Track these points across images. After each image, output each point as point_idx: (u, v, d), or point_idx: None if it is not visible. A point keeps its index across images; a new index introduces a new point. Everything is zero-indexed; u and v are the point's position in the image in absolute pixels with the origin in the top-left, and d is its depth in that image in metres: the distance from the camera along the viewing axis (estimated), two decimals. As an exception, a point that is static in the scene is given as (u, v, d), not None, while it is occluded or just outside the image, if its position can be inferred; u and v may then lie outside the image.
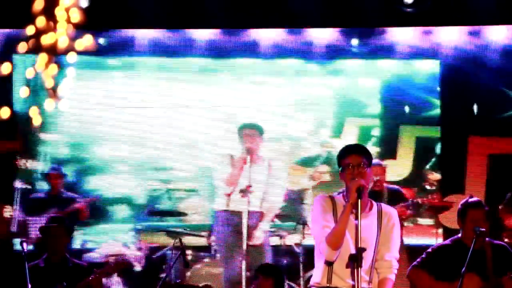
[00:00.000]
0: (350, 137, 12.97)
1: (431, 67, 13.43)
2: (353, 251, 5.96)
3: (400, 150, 13.43)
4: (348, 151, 6.33)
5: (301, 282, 11.54)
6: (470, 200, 7.78)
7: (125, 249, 12.39)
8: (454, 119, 13.33)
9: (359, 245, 5.87)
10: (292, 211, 12.56)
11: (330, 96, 13.34)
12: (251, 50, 13.13)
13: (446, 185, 13.26)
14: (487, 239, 7.60)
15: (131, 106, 13.13)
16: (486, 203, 12.62)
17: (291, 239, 11.97)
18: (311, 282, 6.39)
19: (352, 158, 6.22)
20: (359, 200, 5.95)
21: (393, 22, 12.33)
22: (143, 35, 13.04)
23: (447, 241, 7.93)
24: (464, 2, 11.86)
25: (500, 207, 11.40)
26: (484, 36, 13.05)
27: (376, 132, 13.32)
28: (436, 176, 13.33)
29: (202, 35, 13.02)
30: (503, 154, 13.10)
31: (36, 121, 4.27)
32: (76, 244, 12.57)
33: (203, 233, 11.99)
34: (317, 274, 6.32)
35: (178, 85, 13.28)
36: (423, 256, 7.78)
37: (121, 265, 9.06)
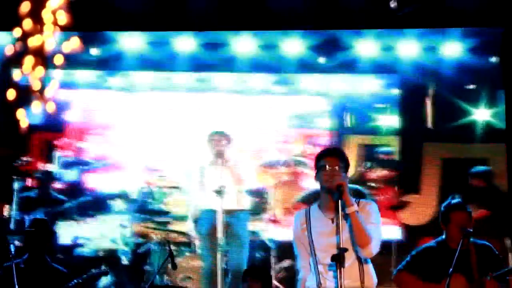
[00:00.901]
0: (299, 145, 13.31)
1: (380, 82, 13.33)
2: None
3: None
4: (324, 153, 5.87)
5: (273, 273, 11.41)
6: (453, 202, 7.12)
7: (113, 244, 11.96)
8: (412, 127, 13.13)
9: (341, 245, 5.39)
10: (258, 207, 12.30)
11: (289, 109, 13.43)
12: (229, 64, 12.80)
13: (403, 186, 13.01)
14: (471, 239, 7.00)
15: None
16: (439, 203, 12.62)
17: (264, 235, 11.86)
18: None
19: (327, 160, 5.72)
20: (339, 201, 5.46)
21: (377, 24, 11.72)
22: (132, 50, 12.67)
23: (432, 243, 7.14)
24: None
25: None
26: (439, 52, 12.73)
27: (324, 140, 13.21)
28: (373, 175, 13.04)
29: (185, 49, 12.66)
30: (455, 158, 12.84)
31: (23, 123, 3.80)
32: (67, 240, 12.27)
33: (183, 230, 11.84)
34: (309, 278, 5.92)
35: (166, 97, 13.35)
36: (408, 259, 7.15)
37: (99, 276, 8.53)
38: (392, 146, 13.16)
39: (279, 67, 12.93)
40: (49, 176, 11.87)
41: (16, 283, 7.00)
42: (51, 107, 3.74)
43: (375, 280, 5.82)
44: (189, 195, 11.82)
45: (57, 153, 13.00)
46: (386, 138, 13.24)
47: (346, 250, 5.36)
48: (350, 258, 5.48)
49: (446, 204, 7.02)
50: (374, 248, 5.64)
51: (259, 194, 12.45)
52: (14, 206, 11.48)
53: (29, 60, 3.70)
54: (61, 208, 11.64)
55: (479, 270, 6.65)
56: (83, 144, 13.18)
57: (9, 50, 3.70)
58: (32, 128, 11.96)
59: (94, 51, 12.57)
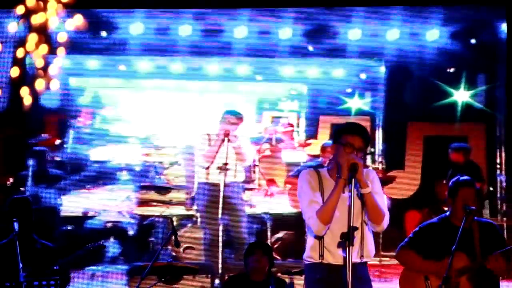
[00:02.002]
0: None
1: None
2: (344, 228, 4.95)
3: (320, 133, 13.33)
4: (348, 130, 5.27)
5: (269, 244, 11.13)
6: (461, 178, 6.60)
7: (121, 216, 11.77)
8: (396, 107, 12.94)
9: (352, 224, 4.87)
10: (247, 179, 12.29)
11: (270, 93, 13.71)
12: (226, 49, 12.50)
13: (389, 162, 12.92)
14: (474, 217, 6.54)
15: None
16: (422, 177, 12.47)
17: (261, 209, 11.65)
18: (304, 256, 5.42)
19: (355, 139, 5.16)
20: (353, 180, 4.95)
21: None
22: (135, 39, 12.33)
23: (434, 220, 6.50)
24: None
25: (444, 181, 10.81)
26: (422, 38, 12.50)
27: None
28: None
29: (185, 35, 12.36)
30: (436, 136, 12.70)
31: (27, 101, 3.46)
32: (78, 212, 12.08)
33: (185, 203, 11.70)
34: (309, 249, 5.36)
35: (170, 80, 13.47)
36: (411, 235, 6.57)
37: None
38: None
39: (270, 52, 12.68)
40: (45, 153, 11.65)
41: (19, 260, 6.45)
42: (54, 85, 3.40)
43: (372, 252, 5.43)
44: (189, 169, 11.70)
45: (70, 131, 12.96)
46: (356, 118, 12.93)
47: (356, 228, 4.95)
48: (355, 235, 5.08)
49: (455, 180, 6.46)
50: (386, 222, 5.20)
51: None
52: (29, 181, 11.14)
53: (32, 38, 3.36)
54: (67, 181, 11.42)
55: (481, 249, 6.17)
56: (92, 123, 13.24)
57: (12, 28, 3.37)
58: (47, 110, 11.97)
59: (100, 37, 12.17)
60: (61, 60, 3.31)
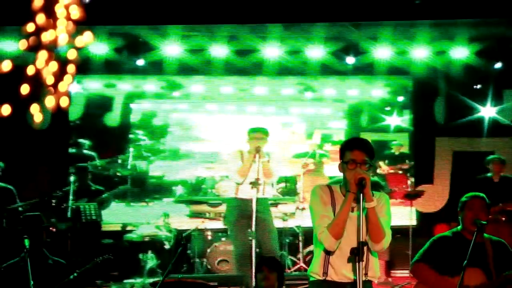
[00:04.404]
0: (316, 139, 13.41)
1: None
2: (352, 244, 4.65)
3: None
4: (350, 146, 4.99)
5: (301, 257, 11.15)
6: (472, 193, 6.22)
7: (158, 231, 11.51)
8: (425, 123, 12.73)
9: (361, 239, 4.55)
10: (289, 194, 12.35)
11: (314, 112, 13.54)
12: (259, 68, 12.33)
13: (418, 176, 12.64)
14: (486, 235, 5.89)
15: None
16: (451, 192, 12.11)
17: (293, 222, 11.49)
18: (309, 271, 5.11)
19: (355, 154, 4.89)
20: (361, 194, 4.65)
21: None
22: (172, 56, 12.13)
23: (447, 233, 6.10)
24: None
25: None
26: (449, 55, 12.17)
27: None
28: (385, 167, 12.89)
29: (219, 55, 12.15)
30: (464, 151, 12.47)
31: (38, 118, 3.24)
32: (117, 227, 12.01)
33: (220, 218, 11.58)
34: (315, 265, 5.04)
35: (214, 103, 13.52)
36: (424, 248, 6.17)
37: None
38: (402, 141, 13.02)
39: (303, 72, 12.50)
40: (87, 169, 11.54)
41: (31, 277, 6.16)
42: (64, 102, 3.19)
43: (377, 273, 5.09)
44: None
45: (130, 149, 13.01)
46: (396, 135, 13.05)
47: (366, 244, 4.65)
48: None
49: (465, 195, 6.11)
50: (386, 243, 4.89)
51: (290, 181, 12.52)
52: (70, 197, 10.96)
53: (42, 55, 3.15)
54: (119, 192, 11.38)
55: (495, 265, 5.80)
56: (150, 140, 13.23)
57: (22, 45, 3.15)
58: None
59: (139, 61, 12.21)
60: (72, 77, 3.11)
